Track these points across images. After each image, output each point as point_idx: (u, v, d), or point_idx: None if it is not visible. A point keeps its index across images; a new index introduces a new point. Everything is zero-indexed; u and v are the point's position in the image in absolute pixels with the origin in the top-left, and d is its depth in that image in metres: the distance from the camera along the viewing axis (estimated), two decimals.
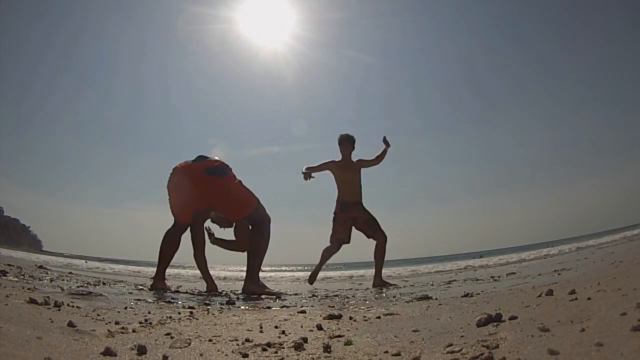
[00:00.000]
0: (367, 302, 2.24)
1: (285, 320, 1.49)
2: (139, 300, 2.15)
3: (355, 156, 4.38)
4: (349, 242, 4.31)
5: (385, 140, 4.37)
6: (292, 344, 1.02)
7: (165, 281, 3.32)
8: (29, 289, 2.00)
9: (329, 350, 0.97)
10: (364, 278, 6.63)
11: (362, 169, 4.36)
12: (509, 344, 0.84)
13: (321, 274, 3.88)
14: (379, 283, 3.96)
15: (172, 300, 2.23)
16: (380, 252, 4.15)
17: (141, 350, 0.92)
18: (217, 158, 3.26)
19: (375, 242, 4.19)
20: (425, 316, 1.44)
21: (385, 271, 4.42)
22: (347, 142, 4.34)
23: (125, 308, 1.72)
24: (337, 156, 4.34)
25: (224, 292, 3.21)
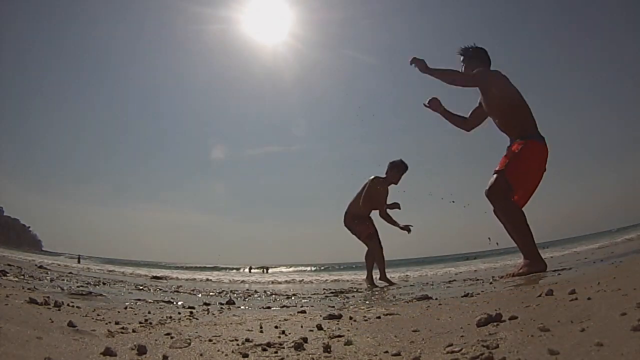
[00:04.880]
0: (367, 302, 2.24)
1: (285, 320, 1.49)
2: (139, 300, 2.15)
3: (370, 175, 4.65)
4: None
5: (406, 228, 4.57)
6: (292, 344, 1.02)
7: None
8: (29, 289, 2.00)
9: (329, 350, 0.97)
10: (363, 279, 6.63)
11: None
12: (509, 344, 0.84)
13: (322, 275, 3.79)
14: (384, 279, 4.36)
15: (172, 300, 2.23)
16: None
17: (141, 350, 0.92)
18: None
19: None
20: (425, 316, 1.44)
21: (392, 271, 4.45)
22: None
23: (125, 308, 1.72)
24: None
25: (223, 292, 3.21)
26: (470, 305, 1.59)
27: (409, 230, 4.53)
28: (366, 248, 4.55)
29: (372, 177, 4.59)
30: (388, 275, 4.45)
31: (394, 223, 4.57)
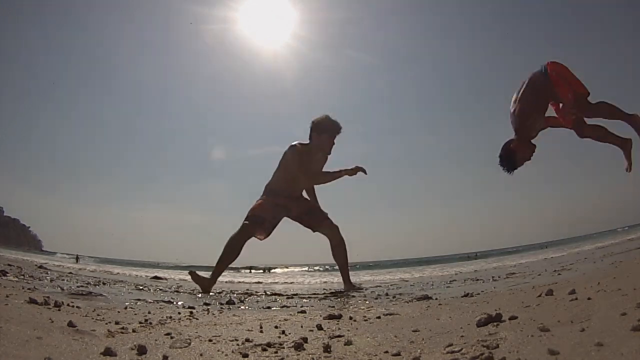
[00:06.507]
0: (367, 302, 2.24)
1: (285, 320, 1.49)
2: (139, 300, 2.15)
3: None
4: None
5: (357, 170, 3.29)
6: (292, 344, 1.02)
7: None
8: (29, 289, 2.00)
9: (329, 350, 0.97)
10: (363, 279, 6.63)
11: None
12: (509, 344, 0.84)
13: (322, 275, 3.66)
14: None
15: (172, 300, 2.23)
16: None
17: (141, 350, 0.92)
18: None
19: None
20: (425, 316, 1.44)
21: (392, 271, 4.40)
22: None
23: (125, 308, 1.72)
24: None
25: (223, 292, 3.21)
26: (470, 305, 1.59)
27: (357, 172, 3.26)
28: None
29: (294, 143, 3.26)
30: (353, 279, 3.48)
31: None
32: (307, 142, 3.31)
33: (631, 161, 2.87)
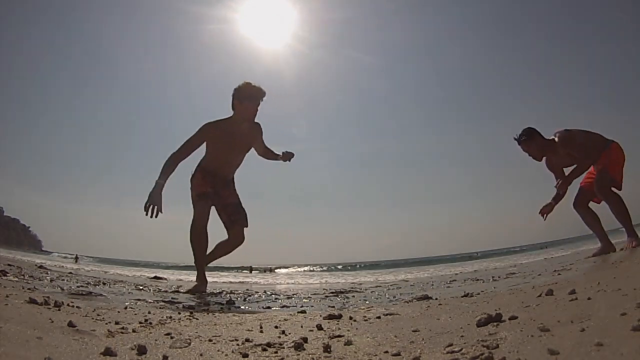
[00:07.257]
0: (367, 302, 2.24)
1: (285, 320, 1.49)
2: (139, 300, 2.15)
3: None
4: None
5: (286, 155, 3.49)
6: (292, 344, 1.02)
7: None
8: (29, 289, 2.00)
9: (329, 350, 0.97)
10: (363, 279, 6.63)
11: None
12: (509, 344, 0.84)
13: (323, 275, 3.61)
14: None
15: (172, 300, 2.23)
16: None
17: (141, 350, 0.92)
18: None
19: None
20: (425, 316, 1.44)
21: (392, 271, 4.39)
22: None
23: (125, 308, 1.72)
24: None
25: (223, 292, 3.21)
26: (470, 305, 1.59)
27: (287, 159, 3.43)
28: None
29: (209, 121, 3.11)
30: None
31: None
32: (229, 116, 3.14)
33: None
